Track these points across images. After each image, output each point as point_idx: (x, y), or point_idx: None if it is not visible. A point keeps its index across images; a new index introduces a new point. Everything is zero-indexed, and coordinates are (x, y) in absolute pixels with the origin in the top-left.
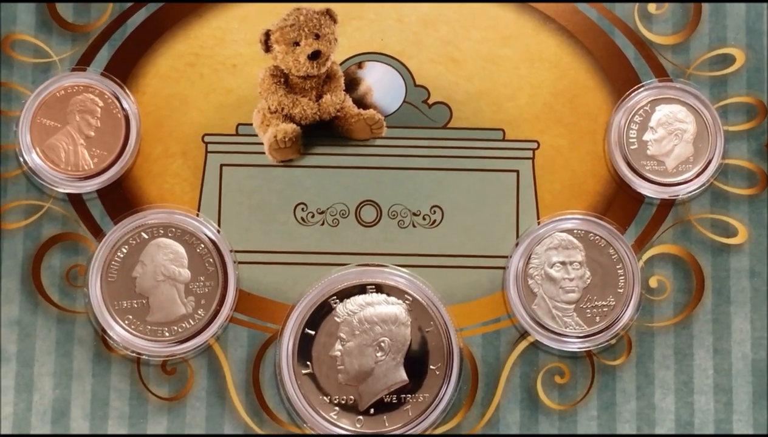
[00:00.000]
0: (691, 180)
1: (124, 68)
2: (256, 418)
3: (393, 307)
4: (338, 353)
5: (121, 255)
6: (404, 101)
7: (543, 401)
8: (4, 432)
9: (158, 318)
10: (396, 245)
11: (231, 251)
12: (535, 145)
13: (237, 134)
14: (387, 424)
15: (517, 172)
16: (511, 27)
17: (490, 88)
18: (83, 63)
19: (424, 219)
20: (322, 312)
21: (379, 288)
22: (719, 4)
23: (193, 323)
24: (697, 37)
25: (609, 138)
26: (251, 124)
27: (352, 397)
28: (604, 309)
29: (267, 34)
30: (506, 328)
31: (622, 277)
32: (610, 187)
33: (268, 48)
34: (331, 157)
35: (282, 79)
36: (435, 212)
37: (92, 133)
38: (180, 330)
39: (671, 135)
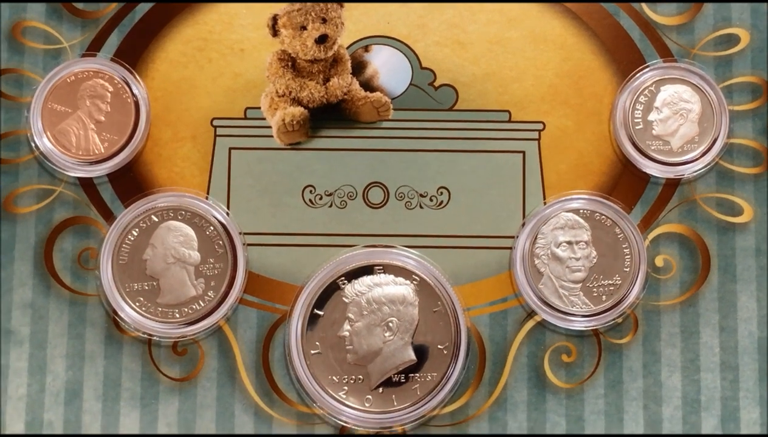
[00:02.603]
0: (696, 159)
1: (134, 53)
2: (266, 398)
3: (401, 288)
4: (347, 333)
5: (132, 238)
6: (410, 84)
7: (550, 380)
8: (17, 413)
9: (169, 300)
10: (403, 226)
11: (240, 233)
12: (540, 126)
13: (245, 118)
14: (395, 403)
15: (523, 153)
16: (516, 9)
17: (495, 70)
18: (93, 49)
19: (431, 200)
20: (330, 293)
21: (387, 269)
22: None
23: (203, 304)
24: (701, 18)
25: (614, 118)
26: (259, 108)
27: (360, 377)
28: (611, 288)
29: (274, 19)
30: (513, 308)
31: (628, 256)
32: (616, 167)
33: (275, 32)
34: (338, 140)
35: (289, 63)
36: (442, 193)
37: (102, 118)
38: (190, 311)
39: (676, 115)
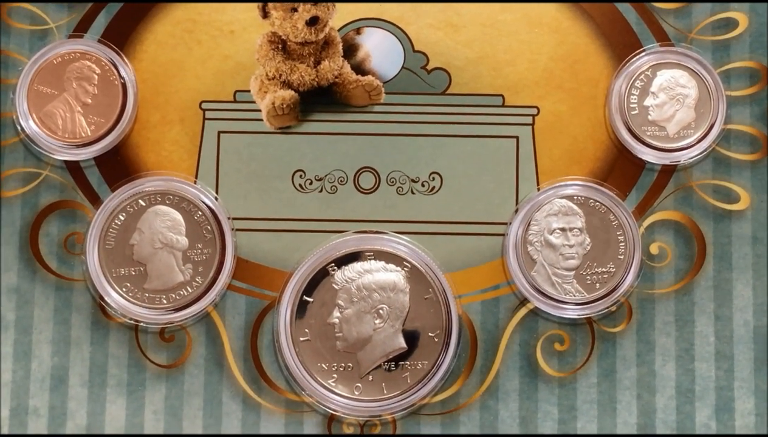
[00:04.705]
0: (692, 145)
1: (121, 35)
2: (254, 385)
3: (391, 274)
4: (336, 320)
5: (119, 223)
6: (403, 67)
7: (542, 368)
8: (2, 399)
9: (156, 286)
10: (394, 212)
11: (229, 218)
12: (535, 111)
13: (235, 101)
14: (385, 391)
15: (517, 138)
16: None
17: (489, 54)
18: (80, 30)
19: (422, 185)
20: (320, 280)
21: (378, 255)
22: None
23: (191, 290)
24: (699, 1)
25: (610, 103)
26: (249, 91)
27: (350, 364)
28: (604, 276)
29: (264, 0)
30: (505, 295)
31: (623, 244)
32: (611, 152)
33: (265, 14)
34: (329, 124)
35: (280, 46)
36: (434, 179)
37: (89, 100)
38: (178, 297)
39: (673, 100)
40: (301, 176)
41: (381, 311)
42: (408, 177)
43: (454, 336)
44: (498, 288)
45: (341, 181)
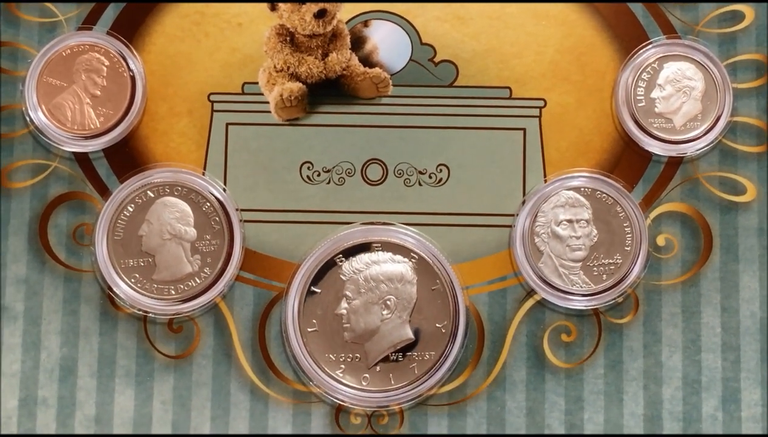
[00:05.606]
0: (699, 137)
1: (130, 27)
2: (262, 376)
3: (399, 265)
4: (344, 311)
5: (128, 214)
6: (410, 59)
7: (549, 359)
8: (11, 389)
9: (164, 277)
10: (402, 203)
11: (237, 210)
12: (541, 103)
13: (243, 93)
14: (393, 382)
15: (524, 130)
16: None
17: (496, 46)
18: (89, 22)
19: (430, 177)
20: (327, 271)
21: (385, 247)
22: None
23: (199, 281)
24: None
25: (616, 95)
26: (257, 83)
27: (357, 355)
28: (611, 268)
29: None
30: (513, 286)
31: (630, 235)
32: (618, 144)
33: (273, 7)
34: (337, 116)
35: (288, 38)
36: (441, 170)
37: (98, 92)
38: (186, 288)
39: (679, 92)
40: (308, 168)
41: (388, 302)
42: (415, 169)
43: (461, 327)
44: (505, 280)
45: (349, 172)
